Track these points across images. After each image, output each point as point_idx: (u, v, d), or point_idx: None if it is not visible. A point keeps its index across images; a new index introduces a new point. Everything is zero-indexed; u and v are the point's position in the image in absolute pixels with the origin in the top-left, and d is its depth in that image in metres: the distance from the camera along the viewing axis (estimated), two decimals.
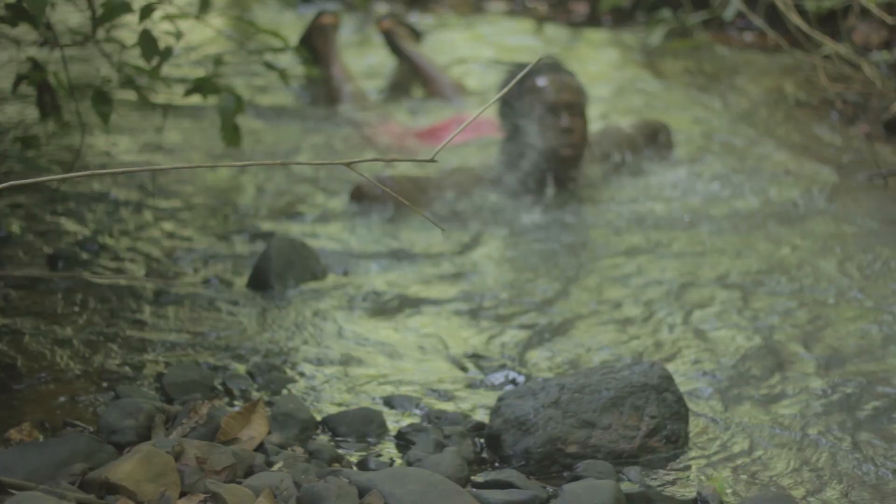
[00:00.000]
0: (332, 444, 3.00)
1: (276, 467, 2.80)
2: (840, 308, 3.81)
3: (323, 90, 6.19)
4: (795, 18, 6.37)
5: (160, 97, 4.70)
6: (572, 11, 9.08)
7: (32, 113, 4.72)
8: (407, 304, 3.86)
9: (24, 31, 4.45)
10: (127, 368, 3.36)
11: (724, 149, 5.56)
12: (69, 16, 6.07)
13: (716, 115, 6.22)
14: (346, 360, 3.45)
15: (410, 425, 3.06)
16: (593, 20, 8.81)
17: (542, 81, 4.72)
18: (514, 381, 3.33)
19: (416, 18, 8.91)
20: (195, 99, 4.24)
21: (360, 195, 4.66)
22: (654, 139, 5.37)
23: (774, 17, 7.02)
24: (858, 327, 3.66)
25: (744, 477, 2.90)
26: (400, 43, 6.61)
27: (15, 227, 4.31)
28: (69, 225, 4.41)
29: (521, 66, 4.79)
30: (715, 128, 5.94)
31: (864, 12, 7.23)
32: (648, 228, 4.56)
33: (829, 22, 7.01)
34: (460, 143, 5.22)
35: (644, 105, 6.43)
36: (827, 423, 3.12)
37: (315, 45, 6.21)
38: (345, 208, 4.69)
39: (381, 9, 9.33)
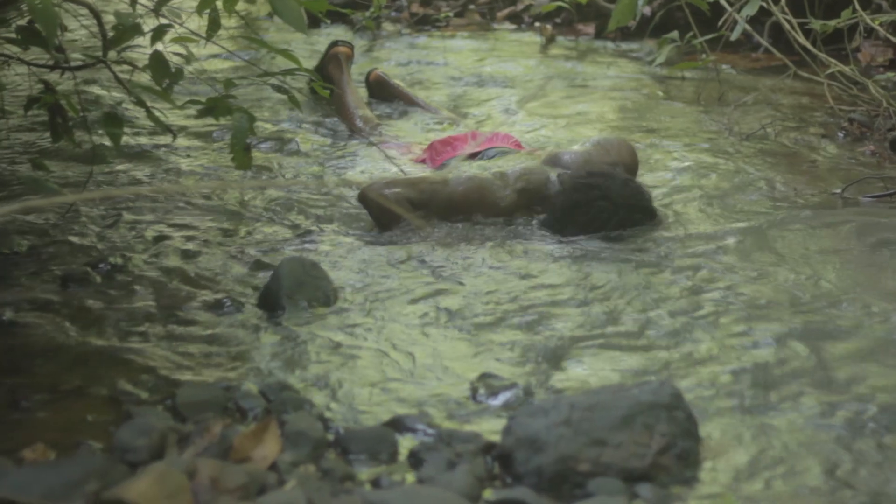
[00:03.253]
0: (345, 462, 3.00)
1: (288, 486, 2.82)
2: (859, 327, 3.82)
3: (336, 117, 6.29)
4: (801, 38, 6.39)
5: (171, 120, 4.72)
6: (579, 32, 9.13)
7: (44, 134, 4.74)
8: (418, 323, 3.86)
9: (35, 53, 4.48)
10: (139, 388, 3.37)
11: (730, 168, 5.57)
12: (80, 38, 6.11)
13: (721, 134, 6.23)
14: (357, 379, 3.45)
15: (422, 444, 3.07)
16: (600, 41, 8.87)
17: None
18: (525, 400, 3.33)
19: (425, 39, 8.97)
20: (203, 122, 4.25)
21: (365, 200, 4.71)
22: None
23: (780, 38, 7.05)
24: (875, 346, 3.67)
25: (755, 496, 2.91)
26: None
27: (25, 247, 4.32)
28: (80, 245, 4.42)
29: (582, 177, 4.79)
30: (720, 146, 5.96)
31: (870, 32, 7.26)
32: (661, 247, 4.57)
33: (835, 41, 7.05)
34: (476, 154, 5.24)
35: (650, 124, 6.45)
36: (846, 442, 3.12)
37: (330, 74, 6.43)
38: (356, 228, 4.71)
39: (390, 27, 9.40)
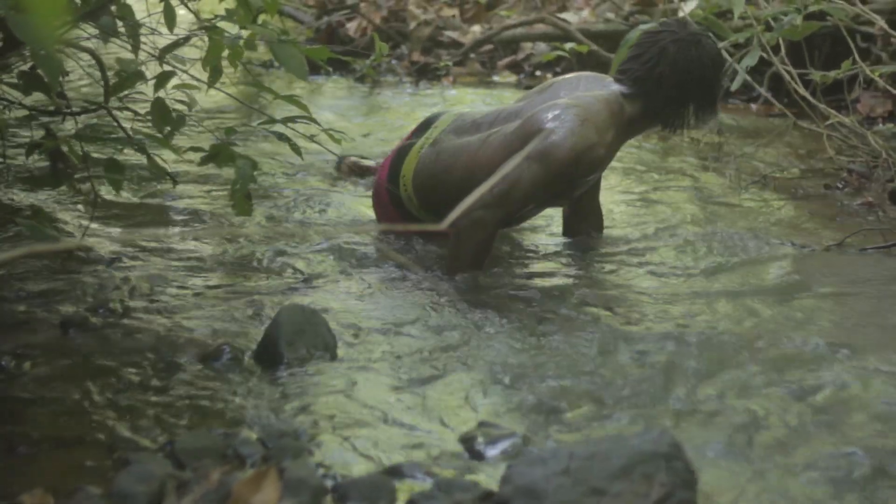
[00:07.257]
0: None
1: None
2: (862, 381, 3.81)
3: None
4: (801, 89, 6.42)
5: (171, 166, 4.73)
6: None
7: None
8: (417, 371, 3.86)
9: (37, 98, 4.49)
10: (138, 435, 3.37)
11: (729, 216, 5.59)
12: (82, 84, 6.13)
13: (720, 184, 6.25)
14: (356, 427, 3.45)
15: (420, 493, 3.06)
16: None
17: None
18: (523, 449, 3.33)
19: (425, 88, 8.99)
20: (203, 169, 4.26)
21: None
22: None
23: (780, 88, 7.08)
24: (879, 400, 3.66)
25: None
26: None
27: (24, 292, 4.32)
28: (80, 290, 4.42)
29: None
30: (718, 196, 5.98)
31: (869, 83, 7.29)
32: (655, 294, 4.59)
33: (834, 92, 7.08)
34: None
35: (649, 174, 6.46)
36: (842, 493, 3.11)
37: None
38: (356, 275, 4.72)
39: (388, 79, 9.43)
